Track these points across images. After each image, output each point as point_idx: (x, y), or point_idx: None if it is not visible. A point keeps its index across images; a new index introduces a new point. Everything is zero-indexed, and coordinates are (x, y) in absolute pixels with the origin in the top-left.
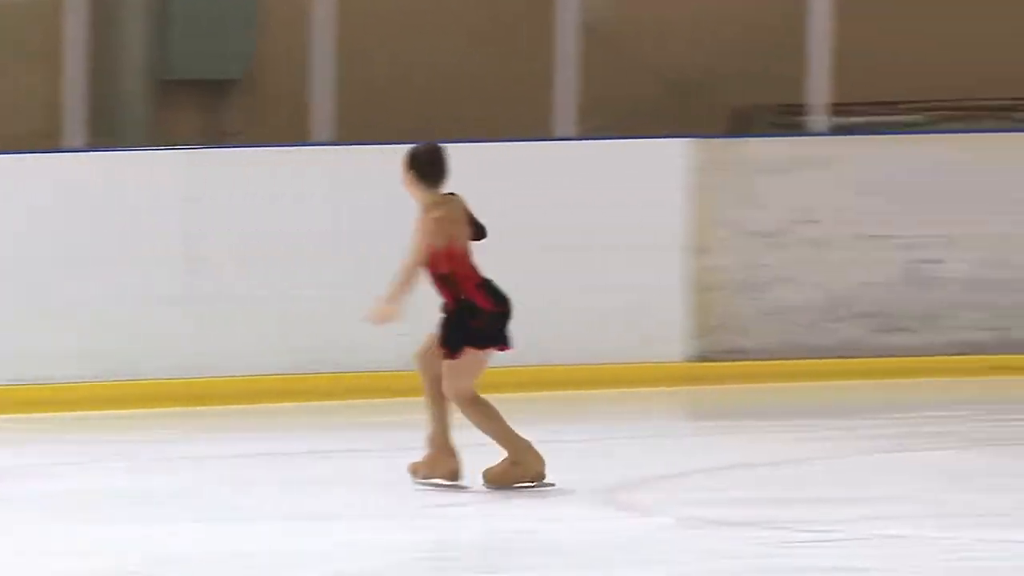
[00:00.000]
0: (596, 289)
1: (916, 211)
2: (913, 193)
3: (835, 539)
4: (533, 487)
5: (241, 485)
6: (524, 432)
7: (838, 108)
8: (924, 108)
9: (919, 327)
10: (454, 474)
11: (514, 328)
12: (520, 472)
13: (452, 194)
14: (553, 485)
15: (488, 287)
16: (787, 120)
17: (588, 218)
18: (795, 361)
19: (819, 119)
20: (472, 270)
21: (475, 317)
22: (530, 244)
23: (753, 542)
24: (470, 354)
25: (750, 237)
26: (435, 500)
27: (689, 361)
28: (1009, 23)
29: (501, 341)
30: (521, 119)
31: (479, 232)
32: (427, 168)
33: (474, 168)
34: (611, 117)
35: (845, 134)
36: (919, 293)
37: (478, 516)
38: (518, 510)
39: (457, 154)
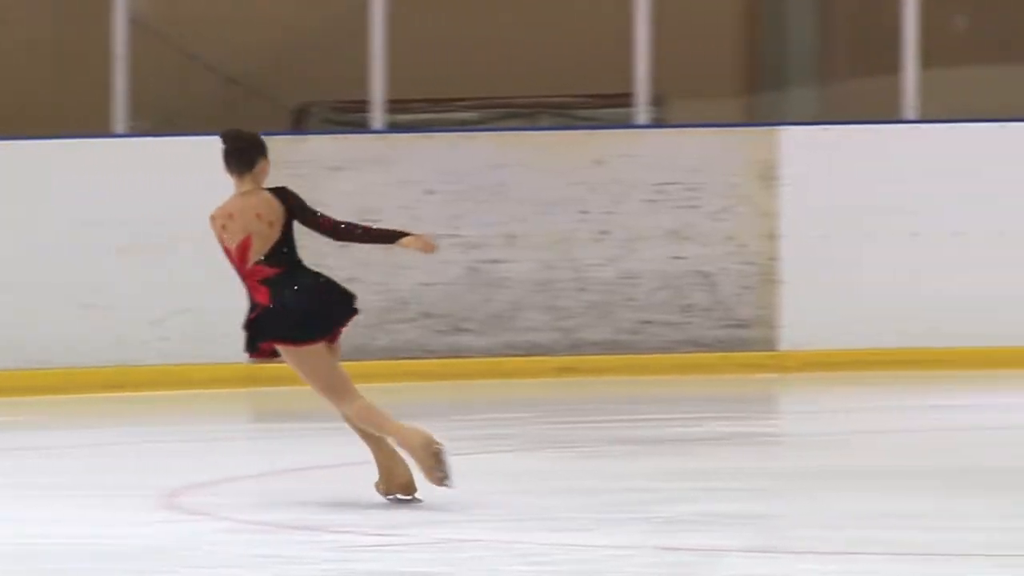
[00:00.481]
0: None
1: (478, 210)
2: (473, 192)
3: (401, 543)
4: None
5: None
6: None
7: (395, 105)
8: (480, 106)
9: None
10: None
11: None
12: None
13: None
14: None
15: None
16: (345, 117)
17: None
18: (357, 362)
19: (377, 116)
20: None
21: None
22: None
23: (316, 547)
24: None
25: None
26: None
27: (247, 363)
28: (565, 20)
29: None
30: (80, 115)
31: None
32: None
33: (34, 165)
34: (167, 114)
35: (402, 131)
36: (484, 293)
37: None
38: (71, 512)
39: (14, 153)
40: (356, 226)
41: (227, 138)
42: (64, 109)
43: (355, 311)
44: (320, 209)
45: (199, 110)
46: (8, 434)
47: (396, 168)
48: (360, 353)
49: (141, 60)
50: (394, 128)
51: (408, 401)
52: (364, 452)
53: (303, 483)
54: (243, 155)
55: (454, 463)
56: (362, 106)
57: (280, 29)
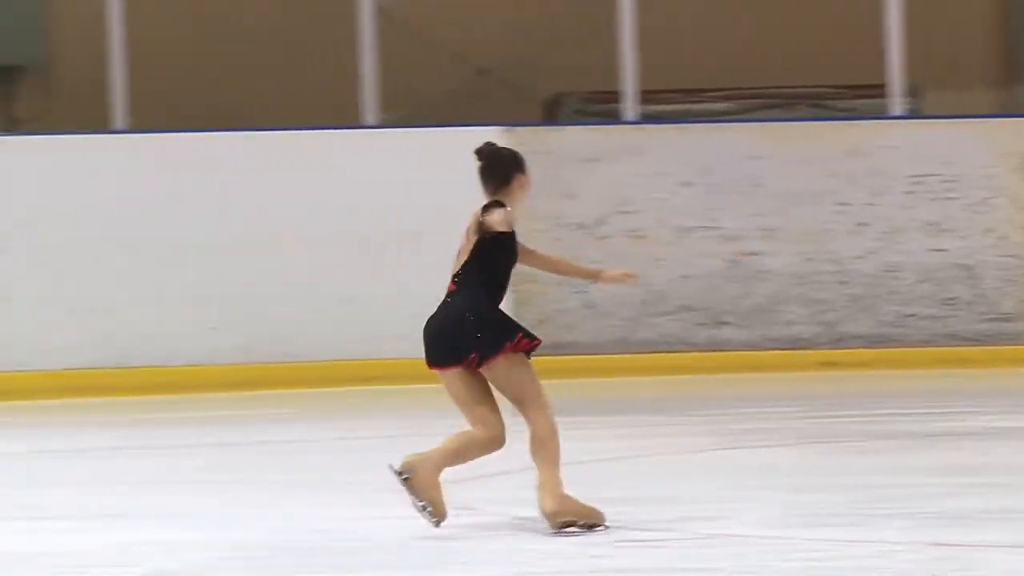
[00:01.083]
0: (413, 281)
1: (734, 202)
2: (729, 184)
3: (666, 539)
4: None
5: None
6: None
7: (647, 96)
8: (734, 96)
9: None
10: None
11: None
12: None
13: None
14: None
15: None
16: (597, 108)
17: (398, 208)
18: (618, 356)
19: (630, 107)
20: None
21: None
22: (328, 232)
23: (584, 542)
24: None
25: (568, 229)
26: (244, 499)
27: None
28: (819, 10)
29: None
30: (326, 107)
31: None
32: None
33: (283, 157)
34: (417, 106)
35: (656, 122)
36: (743, 287)
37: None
38: (338, 509)
39: (263, 143)
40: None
41: (482, 154)
42: (314, 100)
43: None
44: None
45: (450, 100)
46: (280, 426)
47: (650, 159)
48: (621, 346)
49: (391, 51)
50: (647, 119)
51: (668, 395)
52: (615, 450)
53: (565, 479)
54: (497, 172)
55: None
56: (614, 97)
57: (531, 19)
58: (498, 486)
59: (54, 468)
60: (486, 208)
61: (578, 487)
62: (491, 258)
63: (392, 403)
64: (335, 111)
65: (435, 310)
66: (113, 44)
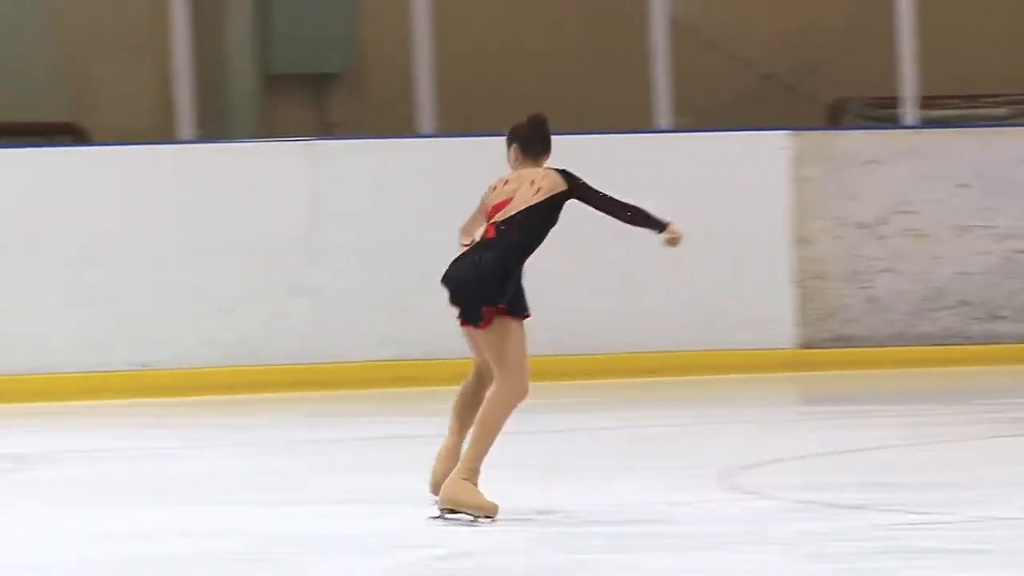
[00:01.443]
0: (705, 279)
1: (1009, 203)
2: (1005, 185)
3: (948, 522)
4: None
5: (352, 470)
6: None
7: (927, 101)
8: (1011, 102)
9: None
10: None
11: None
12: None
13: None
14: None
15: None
16: (879, 113)
17: (692, 209)
18: (898, 348)
19: (909, 112)
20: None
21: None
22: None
23: (865, 525)
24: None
25: (849, 228)
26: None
27: (796, 348)
28: None
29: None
30: (619, 112)
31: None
32: (525, 138)
33: (574, 159)
34: (706, 111)
35: (934, 126)
36: (1019, 282)
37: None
38: (637, 493)
39: (558, 146)
40: (626, 207)
41: (539, 121)
42: (608, 105)
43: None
44: (854, 203)
45: (737, 106)
46: (559, 416)
47: (928, 162)
48: (900, 340)
49: (681, 58)
50: (926, 124)
51: (947, 386)
52: (894, 437)
53: (849, 464)
54: (547, 139)
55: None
56: (894, 102)
57: (814, 27)
58: (787, 471)
59: (370, 455)
60: (567, 173)
61: (855, 473)
62: (550, 219)
63: (682, 393)
64: (628, 116)
65: (466, 254)
66: (420, 51)
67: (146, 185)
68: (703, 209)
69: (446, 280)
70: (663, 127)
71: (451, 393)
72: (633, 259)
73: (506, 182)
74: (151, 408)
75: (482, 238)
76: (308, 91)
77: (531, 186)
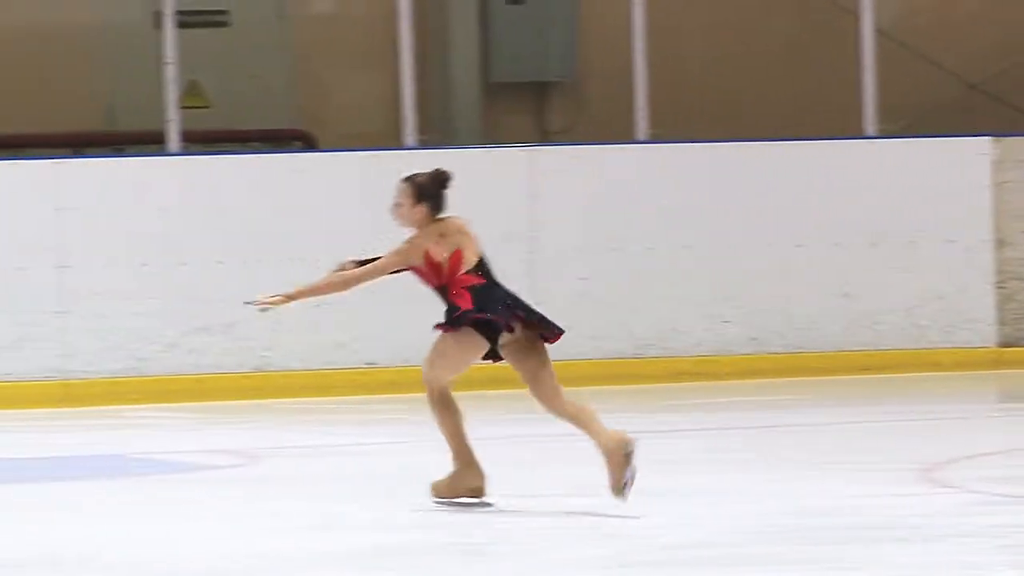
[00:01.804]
0: (909, 280)
1: None
2: None
3: None
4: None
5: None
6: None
7: None
8: None
9: None
10: (478, 491)
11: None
12: (463, 484)
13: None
14: (491, 505)
15: (477, 292)
16: None
17: (897, 213)
18: None
19: None
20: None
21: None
22: (843, 238)
23: None
24: (460, 337)
25: None
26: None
27: (995, 347)
28: None
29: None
30: (828, 119)
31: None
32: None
33: (783, 166)
34: (911, 118)
35: None
36: None
37: (788, 496)
38: (850, 487)
39: (767, 152)
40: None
41: (446, 179)
42: (815, 113)
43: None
44: None
45: (943, 113)
46: (767, 413)
47: None
48: None
49: (889, 67)
50: None
51: None
52: None
53: None
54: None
55: None
56: None
57: (1019, 37)
58: (987, 466)
59: (558, 448)
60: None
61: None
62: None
63: (886, 390)
64: (837, 123)
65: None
66: (637, 59)
67: (373, 190)
68: (907, 212)
69: (516, 308)
70: (870, 134)
71: (671, 390)
72: (843, 263)
73: (441, 235)
74: (379, 405)
75: (479, 288)
76: (528, 99)
77: (470, 237)
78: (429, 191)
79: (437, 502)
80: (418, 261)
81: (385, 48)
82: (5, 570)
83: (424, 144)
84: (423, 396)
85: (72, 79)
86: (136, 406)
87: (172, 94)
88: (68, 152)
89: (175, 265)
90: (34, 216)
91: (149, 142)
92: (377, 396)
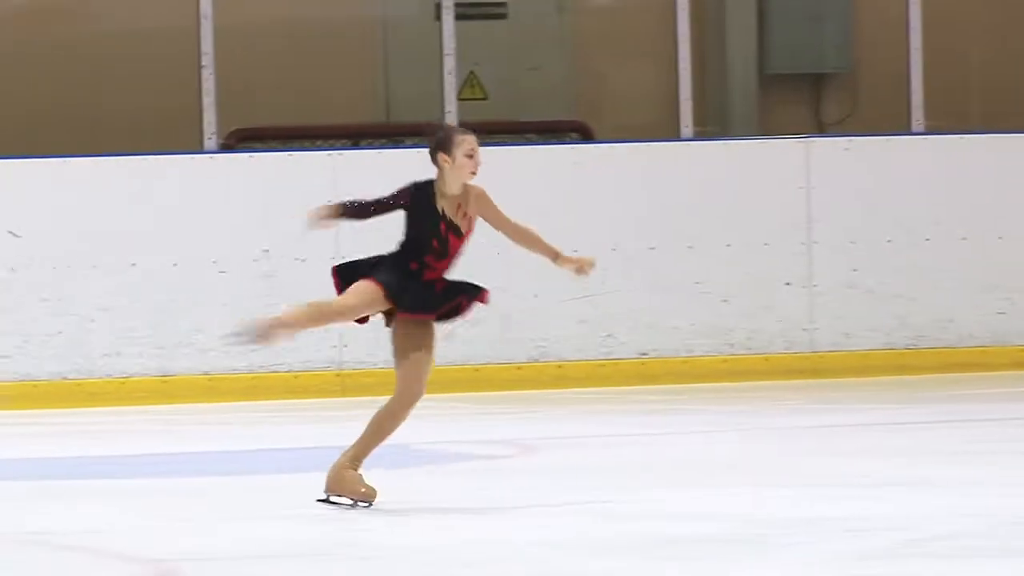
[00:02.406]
0: None
1: None
2: None
3: None
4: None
5: (848, 455)
6: None
7: None
8: None
9: None
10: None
11: None
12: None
13: None
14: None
15: None
16: None
17: None
18: None
19: None
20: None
21: None
22: None
23: None
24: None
25: None
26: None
27: None
28: None
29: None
30: None
31: None
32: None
33: None
34: None
35: None
36: None
37: None
38: None
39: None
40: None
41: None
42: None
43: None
44: None
45: None
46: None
47: None
48: None
49: None
50: None
51: None
52: None
53: None
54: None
55: None
56: None
57: None
58: None
59: (831, 438)
60: None
61: None
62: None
63: None
64: None
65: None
66: (912, 50)
67: (649, 183)
68: None
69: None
70: None
71: (944, 382)
72: (984, 258)
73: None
74: (652, 395)
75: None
76: (804, 90)
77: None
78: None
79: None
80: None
81: (663, 39)
82: (276, 561)
83: (700, 135)
84: (697, 386)
85: (352, 72)
86: None
87: (450, 86)
88: (346, 144)
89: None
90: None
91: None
92: (652, 387)
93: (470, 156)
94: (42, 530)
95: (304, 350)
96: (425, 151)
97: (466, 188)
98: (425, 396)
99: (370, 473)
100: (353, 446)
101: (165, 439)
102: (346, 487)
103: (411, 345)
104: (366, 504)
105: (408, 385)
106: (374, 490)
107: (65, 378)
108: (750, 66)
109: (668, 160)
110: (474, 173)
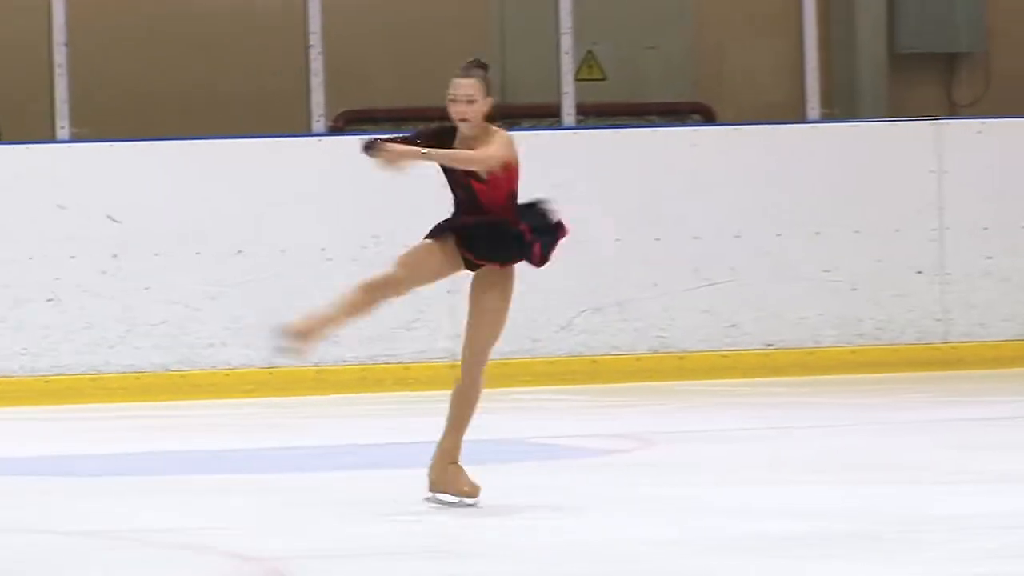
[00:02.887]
0: None
1: None
2: None
3: None
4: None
5: (983, 449)
6: None
7: None
8: None
9: None
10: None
11: None
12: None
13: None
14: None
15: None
16: None
17: None
18: None
19: None
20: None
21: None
22: None
23: None
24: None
25: None
26: None
27: None
28: None
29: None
30: None
31: None
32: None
33: None
34: None
35: None
36: None
37: None
38: None
39: None
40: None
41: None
42: None
43: None
44: None
45: None
46: None
47: None
48: None
49: None
50: None
51: None
52: None
53: None
54: None
55: None
56: None
57: None
58: None
59: (965, 432)
60: None
61: None
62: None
63: None
64: None
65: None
66: None
67: (774, 166)
68: None
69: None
70: None
71: None
72: None
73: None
74: (777, 388)
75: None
76: (935, 70)
77: None
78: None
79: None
80: (507, 163)
81: (788, 16)
82: (383, 559)
83: (826, 117)
84: (823, 378)
85: (465, 51)
86: (528, 388)
87: (567, 65)
88: None
89: (569, 242)
90: (426, 191)
91: (542, 116)
92: (777, 379)
93: (452, 100)
94: (147, 527)
95: (418, 341)
96: (545, 132)
97: (488, 131)
98: (540, 388)
99: (484, 468)
100: (441, 439)
101: (271, 433)
102: (448, 484)
103: (476, 305)
104: (471, 501)
105: (470, 354)
106: (476, 487)
107: (169, 369)
108: (879, 44)
109: (793, 143)
110: (464, 120)
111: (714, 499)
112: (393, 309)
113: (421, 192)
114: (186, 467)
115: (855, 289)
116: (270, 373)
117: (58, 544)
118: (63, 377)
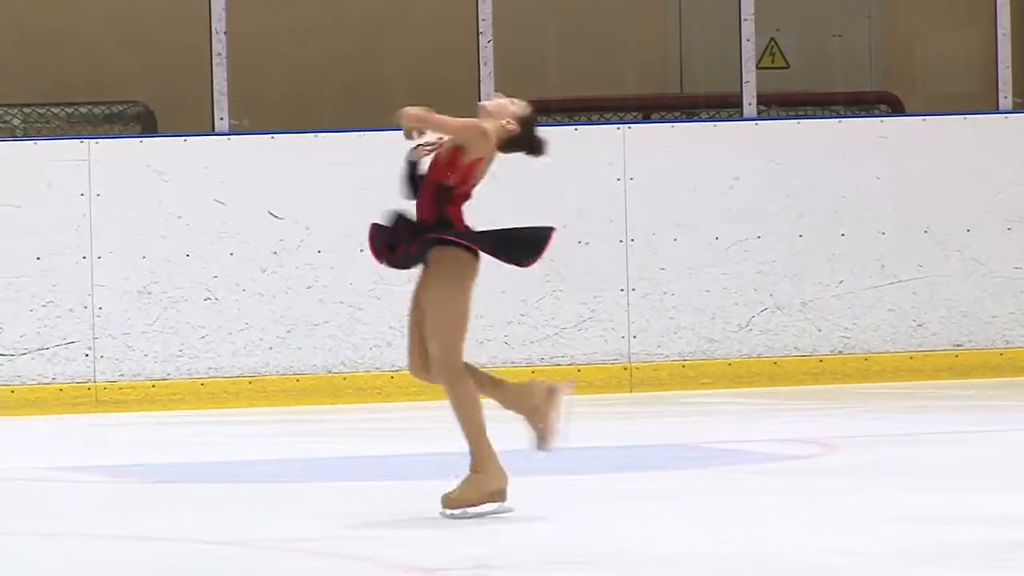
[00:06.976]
0: None
1: None
2: None
3: None
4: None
5: None
6: None
7: None
8: None
9: None
10: (499, 494)
11: None
12: (485, 486)
13: None
14: (512, 510)
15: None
16: None
17: None
18: None
19: None
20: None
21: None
22: None
23: None
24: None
25: None
26: None
27: None
28: None
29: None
30: None
31: None
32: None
33: None
34: None
35: None
36: None
37: None
38: None
39: None
40: None
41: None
42: None
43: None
44: None
45: None
46: None
47: None
48: None
49: None
50: None
51: None
52: None
53: None
54: None
55: None
56: None
57: None
58: None
59: None
60: None
61: None
62: None
63: None
64: None
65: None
66: None
67: (966, 159)
68: None
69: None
70: None
71: None
72: None
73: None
74: (966, 391)
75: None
76: None
77: None
78: (529, 126)
79: (452, 515)
80: (480, 146)
81: (980, 5)
82: (570, 570)
83: (1020, 107)
84: (1015, 380)
85: (642, 39)
86: (707, 391)
87: (748, 53)
88: (636, 116)
89: (749, 237)
90: (599, 184)
91: (722, 106)
92: (966, 381)
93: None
94: (312, 536)
95: (590, 341)
96: (720, 124)
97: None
98: (719, 392)
99: (662, 474)
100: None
101: (436, 437)
102: (471, 495)
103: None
104: (501, 502)
105: (439, 356)
106: (502, 491)
107: (331, 371)
108: None
109: (985, 134)
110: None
111: (904, 506)
112: (564, 308)
113: (582, 189)
114: (347, 473)
115: None
116: None
117: (212, 554)
118: (220, 380)
